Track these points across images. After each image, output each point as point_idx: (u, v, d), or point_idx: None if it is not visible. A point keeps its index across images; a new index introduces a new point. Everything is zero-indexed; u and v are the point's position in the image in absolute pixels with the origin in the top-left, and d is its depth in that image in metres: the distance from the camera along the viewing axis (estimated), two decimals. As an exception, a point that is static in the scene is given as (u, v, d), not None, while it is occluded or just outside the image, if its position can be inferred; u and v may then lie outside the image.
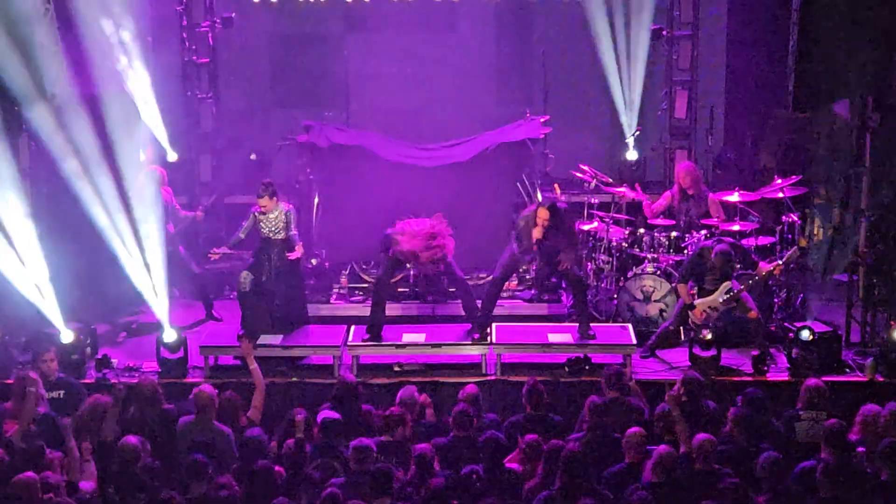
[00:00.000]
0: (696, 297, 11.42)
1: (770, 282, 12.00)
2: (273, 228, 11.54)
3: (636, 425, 8.85)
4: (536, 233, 11.30)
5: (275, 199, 11.56)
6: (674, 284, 11.79)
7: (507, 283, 12.20)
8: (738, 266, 11.53)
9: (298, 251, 11.58)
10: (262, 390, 9.95)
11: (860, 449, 8.75)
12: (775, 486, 8.12)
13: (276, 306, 11.60)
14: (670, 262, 12.22)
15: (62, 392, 10.05)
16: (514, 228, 11.73)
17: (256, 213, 11.60)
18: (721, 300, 11.29)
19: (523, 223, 11.46)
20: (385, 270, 11.66)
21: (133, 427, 9.15)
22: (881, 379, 10.99)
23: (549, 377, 10.81)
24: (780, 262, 11.45)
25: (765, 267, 11.44)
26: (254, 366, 10.15)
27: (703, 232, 12.18)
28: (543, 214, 11.29)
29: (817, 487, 8.08)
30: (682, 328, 11.69)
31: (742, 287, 11.31)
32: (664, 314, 12.01)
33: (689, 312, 11.39)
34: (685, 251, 12.18)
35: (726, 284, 11.28)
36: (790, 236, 12.29)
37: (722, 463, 8.48)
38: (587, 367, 11.17)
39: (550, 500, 8.01)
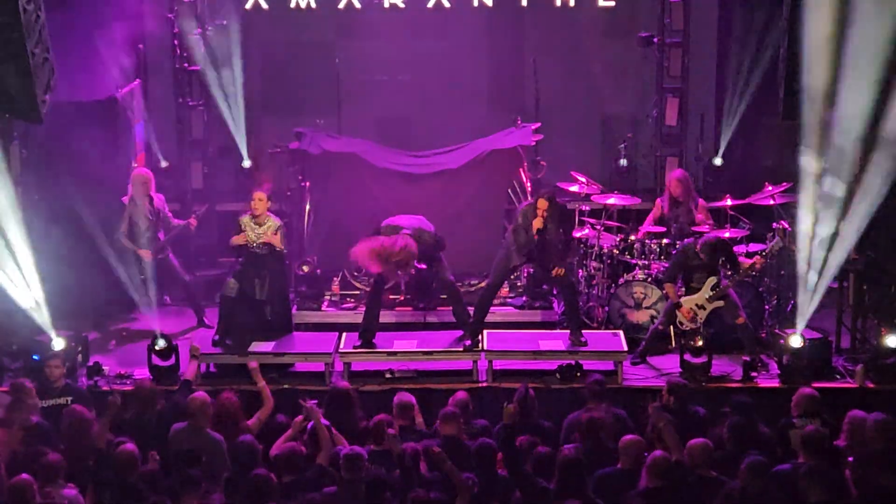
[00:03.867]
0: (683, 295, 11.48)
1: (760, 288, 12.03)
2: (256, 239, 11.50)
3: (623, 433, 8.86)
4: (537, 223, 11.24)
5: (268, 205, 11.56)
6: (664, 292, 11.82)
7: (500, 289, 12.20)
8: (724, 261, 11.55)
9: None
10: (269, 408, 9.90)
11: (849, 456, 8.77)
12: (760, 489, 8.13)
13: (264, 315, 11.60)
14: (661, 269, 12.24)
15: (69, 399, 10.05)
16: (511, 225, 11.67)
17: (242, 219, 11.58)
18: (707, 296, 11.33)
19: (521, 218, 11.42)
20: (379, 277, 11.64)
21: (129, 430, 9.16)
22: (871, 385, 11.03)
23: (540, 384, 10.83)
24: (762, 254, 11.48)
25: (746, 261, 11.50)
26: (262, 383, 10.09)
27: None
28: (543, 205, 11.25)
29: (804, 493, 8.10)
30: (672, 334, 11.74)
31: (729, 283, 11.36)
32: (655, 320, 12.03)
33: (677, 311, 11.44)
34: (675, 257, 12.22)
35: (712, 280, 11.34)
36: (777, 237, 12.31)
37: (714, 469, 8.49)
38: (578, 374, 11.18)
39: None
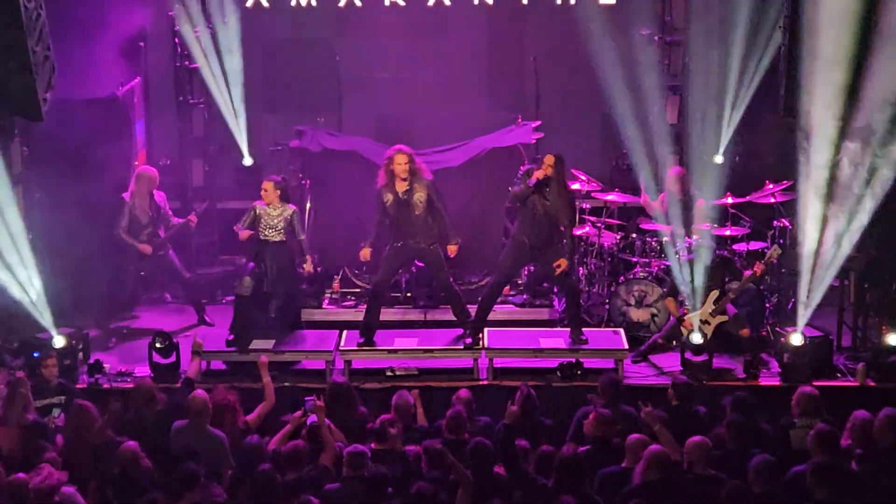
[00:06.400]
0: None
1: (761, 286, 12.03)
2: (272, 225, 11.49)
3: (630, 431, 8.85)
4: (539, 173, 11.22)
5: (278, 192, 11.55)
6: (664, 290, 11.81)
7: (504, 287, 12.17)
8: (728, 278, 11.55)
9: (309, 264, 11.62)
10: (270, 404, 9.91)
11: (857, 451, 8.76)
12: (767, 489, 8.12)
13: (272, 312, 11.58)
14: (661, 266, 12.24)
15: (63, 398, 10.05)
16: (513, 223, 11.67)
17: (258, 207, 11.58)
18: (710, 311, 11.31)
19: (521, 183, 11.37)
20: (384, 273, 11.63)
21: (129, 429, 9.15)
22: (872, 384, 11.02)
23: (540, 382, 10.82)
24: (762, 263, 11.47)
25: (747, 273, 11.48)
26: (266, 378, 10.10)
27: (695, 237, 12.18)
28: (549, 160, 11.25)
29: (810, 491, 8.09)
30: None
31: (730, 295, 11.33)
32: (656, 319, 12.04)
33: (681, 327, 11.38)
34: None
35: (714, 293, 11.31)
36: (782, 241, 12.32)
37: (714, 468, 8.48)
38: (579, 372, 11.17)
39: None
